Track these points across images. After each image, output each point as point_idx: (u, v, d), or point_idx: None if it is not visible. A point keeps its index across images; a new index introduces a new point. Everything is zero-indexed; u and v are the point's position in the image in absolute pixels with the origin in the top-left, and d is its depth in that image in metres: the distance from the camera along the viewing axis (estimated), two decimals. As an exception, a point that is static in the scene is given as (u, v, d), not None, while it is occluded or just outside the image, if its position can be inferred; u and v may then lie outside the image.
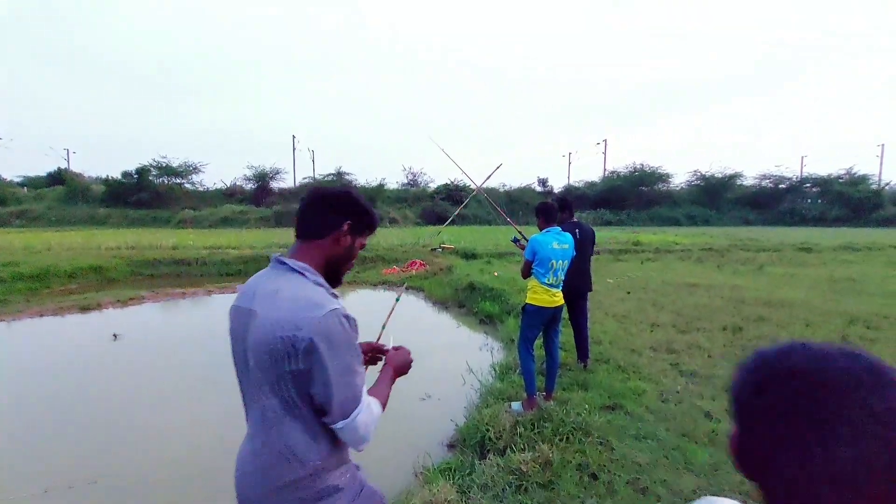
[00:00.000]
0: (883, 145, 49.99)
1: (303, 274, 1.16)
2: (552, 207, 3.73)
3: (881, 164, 59.87)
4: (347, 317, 1.13)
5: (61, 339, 6.72)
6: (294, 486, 1.11)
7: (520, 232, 4.27)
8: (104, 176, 43.15)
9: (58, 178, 45.66)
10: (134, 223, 35.37)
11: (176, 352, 6.00)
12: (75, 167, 49.50)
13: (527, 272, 3.70)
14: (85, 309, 8.10)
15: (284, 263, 1.18)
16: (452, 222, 39.21)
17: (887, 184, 48.86)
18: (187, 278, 12.30)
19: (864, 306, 7.32)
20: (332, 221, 1.22)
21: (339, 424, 1.11)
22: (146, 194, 40.06)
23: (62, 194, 41.15)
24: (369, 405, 1.17)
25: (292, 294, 1.11)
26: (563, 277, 3.69)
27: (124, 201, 39.71)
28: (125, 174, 41.35)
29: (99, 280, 11.77)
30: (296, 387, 1.08)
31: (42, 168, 59.90)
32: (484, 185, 4.71)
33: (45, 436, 3.76)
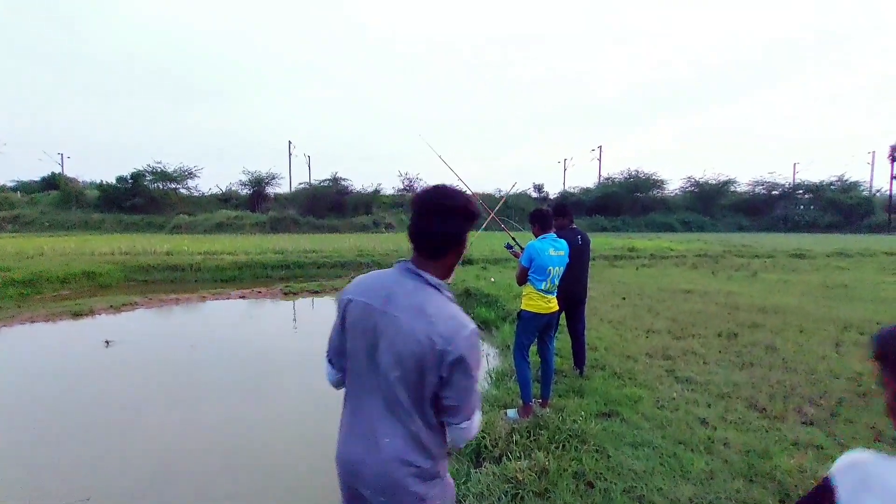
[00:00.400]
0: (874, 152, 50.56)
1: (439, 290, 1.27)
2: (548, 214, 3.75)
3: (872, 171, 60.76)
4: (477, 335, 1.26)
5: (53, 345, 6.65)
6: (410, 465, 1.25)
7: (514, 238, 4.24)
8: (99, 181, 42.97)
9: (52, 182, 45.38)
10: (128, 228, 35.16)
11: (169, 359, 5.94)
12: (70, 172, 49.27)
13: (523, 279, 3.68)
14: (77, 315, 8.02)
15: (420, 276, 1.27)
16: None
17: (878, 190, 49.48)
18: (181, 284, 12.22)
19: (857, 312, 7.37)
20: (458, 238, 1.30)
21: (463, 424, 1.27)
22: (141, 199, 39.87)
23: (56, 199, 40.86)
24: (477, 410, 1.34)
25: (439, 310, 1.22)
26: (557, 284, 3.69)
27: (119, 206, 39.49)
28: (120, 179, 41.17)
29: (92, 286, 11.67)
30: (433, 389, 1.23)
31: (36, 173, 59.61)
32: (494, 205, 4.74)
33: (34, 448, 3.70)
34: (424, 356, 1.19)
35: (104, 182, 42.04)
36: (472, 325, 1.24)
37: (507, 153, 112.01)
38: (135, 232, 32.57)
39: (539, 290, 3.61)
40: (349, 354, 1.33)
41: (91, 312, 8.21)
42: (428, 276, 1.27)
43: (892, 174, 44.91)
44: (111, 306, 8.60)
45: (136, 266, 13.33)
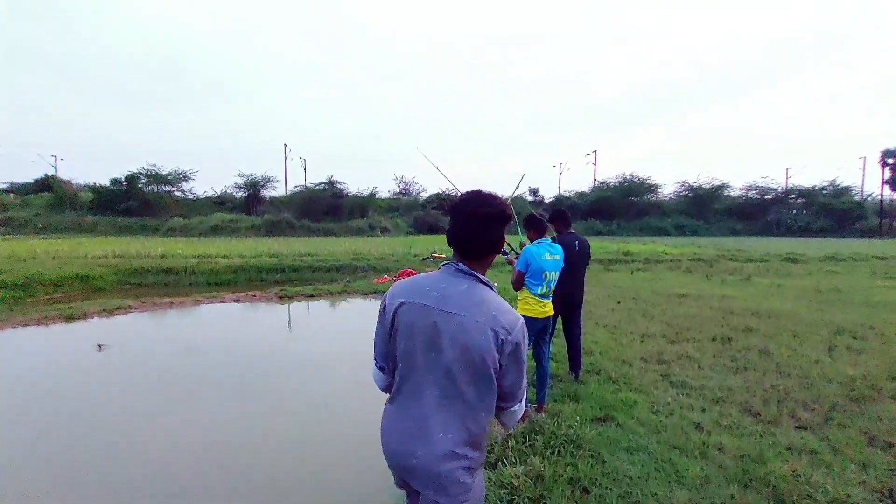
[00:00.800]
0: (865, 158, 51.11)
1: (491, 287, 1.40)
2: (542, 219, 3.77)
3: (863, 176, 61.21)
4: (525, 326, 1.39)
5: (44, 349, 6.58)
6: (461, 458, 1.34)
7: (509, 244, 4.21)
8: (92, 183, 42.68)
9: (45, 184, 45.07)
10: (122, 231, 34.95)
11: (163, 363, 5.89)
12: (63, 174, 48.95)
13: (519, 284, 3.69)
14: (70, 319, 7.94)
15: (473, 275, 1.38)
16: (444, 231, 39.23)
17: (870, 195, 50.01)
18: (175, 288, 12.14)
19: (849, 316, 7.43)
20: (499, 241, 1.41)
21: (515, 407, 1.42)
22: (135, 202, 39.67)
23: (49, 201, 40.58)
24: (525, 393, 1.46)
25: (498, 305, 1.34)
26: (553, 288, 3.70)
27: (112, 209, 39.27)
28: (114, 181, 40.95)
29: (85, 289, 11.57)
30: (495, 377, 1.33)
31: (29, 174, 59.02)
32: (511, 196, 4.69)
33: (20, 457, 3.65)
34: (490, 347, 1.29)
35: (98, 184, 41.78)
36: (520, 315, 1.38)
37: (505, 155, 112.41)
38: (129, 235, 32.35)
39: (535, 294, 3.62)
40: (401, 355, 1.39)
41: (84, 316, 8.13)
42: (480, 275, 1.39)
43: (882, 179, 45.45)
44: (104, 310, 8.52)
45: (130, 269, 13.23)
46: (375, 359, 1.50)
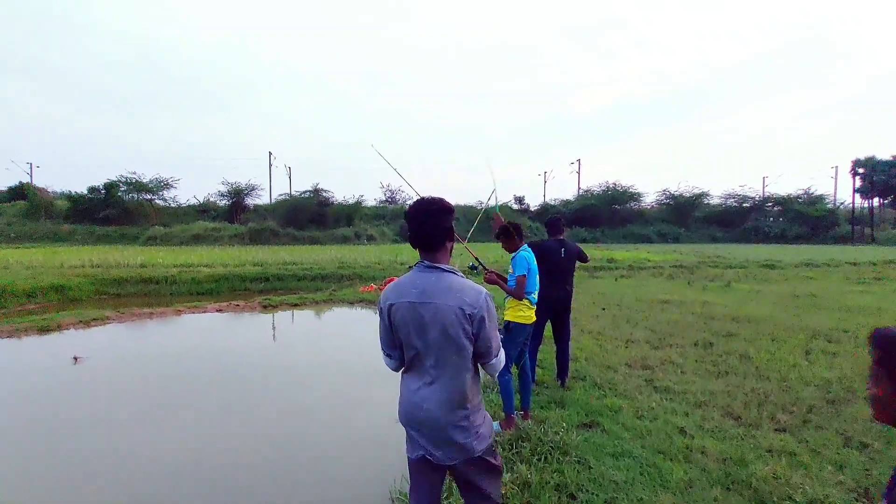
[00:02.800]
0: (836, 167, 52.96)
1: (453, 273, 1.73)
2: (519, 226, 3.83)
3: (836, 184, 63.52)
4: (490, 296, 1.73)
5: (16, 362, 6.36)
6: (463, 417, 1.72)
7: (477, 259, 3.97)
8: (69, 191, 41.61)
9: (19, 192, 43.78)
10: (100, 240, 34.08)
11: (141, 375, 5.74)
12: (39, 182, 47.67)
13: (522, 288, 3.56)
14: (44, 330, 7.70)
15: (436, 267, 1.72)
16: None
17: (842, 203, 51.66)
18: (156, 298, 11.88)
19: (824, 321, 7.64)
20: (446, 229, 1.74)
21: (493, 360, 1.76)
22: (114, 210, 38.77)
23: (24, 210, 39.42)
24: (500, 347, 1.82)
25: (461, 286, 1.69)
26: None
27: (91, 218, 38.31)
28: (92, 189, 39.99)
29: (60, 300, 11.24)
30: (470, 344, 1.69)
31: (2, 182, 57.35)
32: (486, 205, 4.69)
33: (-5, 469, 3.51)
34: (460, 322, 1.65)
35: (75, 192, 40.75)
36: (484, 290, 1.70)
37: (491, 164, 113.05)
38: (107, 244, 31.55)
39: (529, 298, 3.63)
40: (404, 343, 1.75)
41: (59, 327, 7.90)
42: (442, 265, 1.73)
43: (853, 188, 47.05)
44: (81, 321, 8.28)
45: (109, 279, 12.90)
46: (383, 349, 1.83)
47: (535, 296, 3.69)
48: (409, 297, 1.69)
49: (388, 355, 1.84)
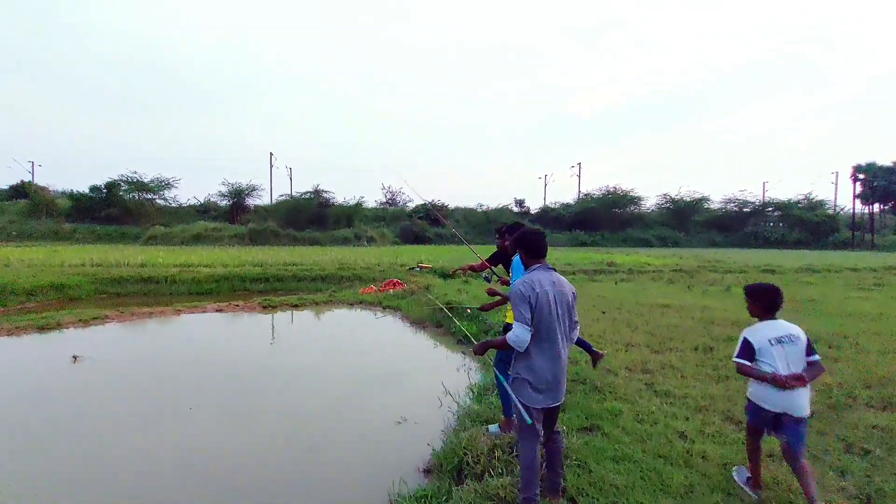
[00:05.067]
0: (837, 173, 53.09)
1: (555, 270, 2.74)
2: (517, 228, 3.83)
3: (836, 190, 63.69)
4: None
5: (15, 361, 6.35)
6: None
7: (492, 269, 3.85)
8: (71, 190, 41.67)
9: (21, 191, 43.87)
10: (101, 239, 34.12)
11: (140, 375, 5.73)
12: (40, 180, 47.76)
13: None
14: (43, 329, 7.69)
15: (553, 268, 2.73)
16: (430, 241, 39.24)
17: (842, 209, 51.73)
18: (155, 297, 11.88)
19: (825, 327, 7.62)
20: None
21: (579, 327, 2.86)
22: (115, 210, 38.82)
23: (25, 208, 39.49)
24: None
25: (565, 279, 2.75)
26: None
27: (91, 217, 38.35)
28: (93, 188, 40.04)
29: (60, 298, 11.24)
30: (574, 314, 2.74)
31: (4, 180, 57.37)
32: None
33: (-7, 467, 3.50)
34: (573, 301, 2.70)
35: (76, 191, 40.80)
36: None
37: (491, 167, 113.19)
38: (108, 243, 31.59)
39: None
40: (540, 318, 2.53)
41: (58, 326, 7.89)
42: (552, 267, 2.75)
43: (854, 193, 47.07)
44: (80, 320, 8.28)
45: (109, 278, 12.90)
46: (525, 322, 2.49)
47: None
48: (548, 287, 2.58)
49: (527, 327, 2.50)
